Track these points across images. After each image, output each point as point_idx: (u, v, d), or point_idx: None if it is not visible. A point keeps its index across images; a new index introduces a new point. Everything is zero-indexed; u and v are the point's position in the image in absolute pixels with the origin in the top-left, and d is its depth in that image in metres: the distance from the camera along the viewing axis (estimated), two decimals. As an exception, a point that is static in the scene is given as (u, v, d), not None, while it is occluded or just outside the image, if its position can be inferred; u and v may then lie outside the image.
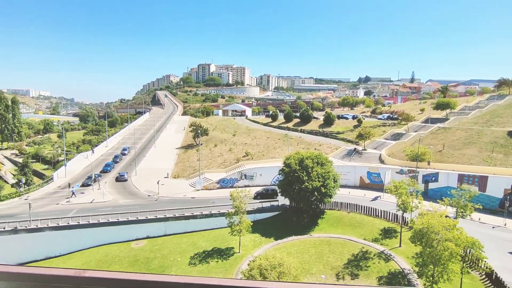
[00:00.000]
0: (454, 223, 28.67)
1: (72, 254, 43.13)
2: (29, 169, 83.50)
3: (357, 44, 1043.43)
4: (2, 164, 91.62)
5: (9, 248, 42.45)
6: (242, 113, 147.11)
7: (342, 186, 53.21)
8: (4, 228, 42.53)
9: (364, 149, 71.03)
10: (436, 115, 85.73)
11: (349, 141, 80.00)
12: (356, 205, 48.65)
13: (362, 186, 60.64)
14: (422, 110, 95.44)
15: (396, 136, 76.31)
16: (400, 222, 40.29)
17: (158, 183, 58.87)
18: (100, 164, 75.97)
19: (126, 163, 79.45)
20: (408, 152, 59.61)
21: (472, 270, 32.27)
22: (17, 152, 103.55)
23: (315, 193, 44.03)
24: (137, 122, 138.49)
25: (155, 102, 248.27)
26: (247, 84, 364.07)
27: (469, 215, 37.22)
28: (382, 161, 64.05)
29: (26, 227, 42.91)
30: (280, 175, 49.76)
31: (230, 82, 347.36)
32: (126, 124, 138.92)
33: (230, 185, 62.27)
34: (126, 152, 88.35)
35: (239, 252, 39.88)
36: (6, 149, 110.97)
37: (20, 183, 65.69)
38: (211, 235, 45.26)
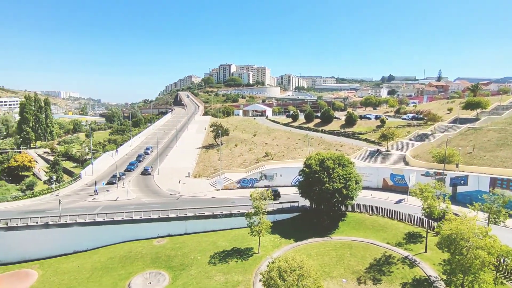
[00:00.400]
0: (487, 230, 27.04)
1: (98, 250, 44.80)
2: (60, 167, 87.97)
3: (380, 42, 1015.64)
4: (36, 162, 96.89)
5: (41, 242, 44.79)
6: (262, 113, 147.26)
7: (364, 188, 51.87)
8: (36, 222, 44.94)
9: (388, 150, 68.92)
10: (465, 115, 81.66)
11: (371, 141, 77.99)
12: (379, 207, 47.24)
13: (385, 188, 58.84)
14: (450, 110, 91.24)
15: (422, 137, 73.43)
16: (426, 226, 38.61)
17: (179, 182, 60.07)
18: (124, 163, 78.56)
19: (149, 162, 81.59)
20: (435, 154, 57.13)
21: (507, 281, 30.36)
22: (49, 150, 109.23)
23: (336, 194, 43.19)
24: (160, 122, 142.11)
25: (177, 102, 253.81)
26: (267, 84, 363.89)
27: (503, 222, 35.04)
28: (406, 163, 61.87)
29: (56, 222, 45.09)
30: (301, 176, 49.24)
31: (251, 82, 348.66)
32: (149, 124, 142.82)
33: (250, 185, 62.44)
34: (149, 151, 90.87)
35: (258, 253, 39.82)
36: (39, 147, 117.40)
37: (52, 180, 69.23)
38: (231, 234, 45.51)
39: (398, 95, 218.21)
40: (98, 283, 36.70)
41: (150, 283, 36.02)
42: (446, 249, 27.92)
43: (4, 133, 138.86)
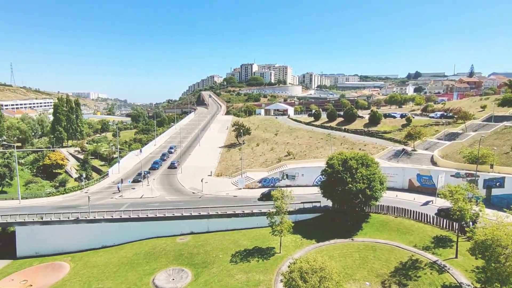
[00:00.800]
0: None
1: (124, 245, 46.46)
2: (89, 165, 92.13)
3: (405, 38, 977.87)
4: (68, 160, 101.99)
5: (72, 236, 47.20)
6: (284, 112, 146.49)
7: (388, 189, 50.28)
8: (68, 217, 47.39)
9: (414, 150, 66.30)
10: (501, 112, 76.79)
11: (396, 141, 75.38)
12: (405, 209, 45.50)
13: (411, 189, 56.63)
14: (484, 107, 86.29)
15: (451, 136, 70.00)
16: (457, 230, 36.74)
17: (202, 181, 61.00)
18: (149, 162, 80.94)
19: (173, 160, 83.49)
20: (466, 154, 54.23)
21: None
22: (79, 149, 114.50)
23: (359, 195, 42.13)
24: (183, 122, 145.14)
25: (200, 102, 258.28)
26: (289, 83, 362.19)
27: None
28: (434, 163, 59.22)
29: (86, 218, 47.30)
30: (323, 176, 48.47)
31: (272, 81, 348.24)
32: (173, 123, 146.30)
33: (272, 184, 62.26)
34: (172, 150, 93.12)
35: (279, 253, 39.64)
36: (70, 146, 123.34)
37: (82, 178, 72.64)
38: (252, 234, 45.62)
39: (426, 93, 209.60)
40: (124, 278, 38.03)
41: (173, 279, 36.86)
42: (480, 256, 26.36)
43: (39, 133, 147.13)
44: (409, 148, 67.33)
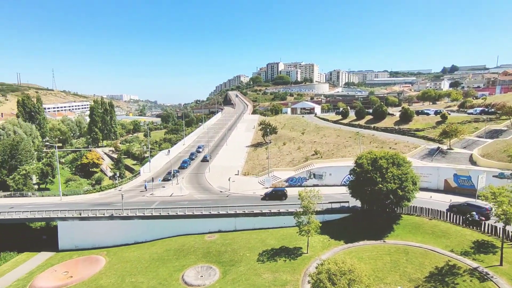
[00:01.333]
0: None
1: (155, 242, 48.18)
2: (122, 164, 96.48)
3: (440, 29, 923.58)
4: (103, 159, 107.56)
5: (107, 232, 49.70)
6: (310, 111, 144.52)
7: (421, 189, 47.90)
8: (103, 214, 50.01)
9: (450, 148, 62.59)
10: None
11: (430, 139, 71.65)
12: (440, 211, 43.11)
13: (447, 190, 53.53)
14: (532, 101, 79.56)
15: (494, 134, 65.28)
16: (501, 236, 34.09)
17: (229, 179, 61.71)
18: (178, 161, 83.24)
19: (201, 160, 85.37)
20: None
21: None
22: (113, 149, 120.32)
23: (390, 195, 40.50)
24: (210, 122, 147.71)
25: (227, 102, 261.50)
26: (315, 81, 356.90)
27: None
28: (473, 162, 55.55)
29: (119, 214, 49.61)
30: (351, 176, 47.19)
31: (299, 79, 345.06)
32: (200, 123, 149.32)
33: (299, 184, 61.63)
34: (200, 150, 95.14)
35: (307, 253, 39.14)
36: (105, 146, 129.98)
37: (115, 176, 76.24)
38: (279, 233, 45.44)
39: (463, 87, 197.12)
40: (155, 273, 39.44)
41: (202, 276, 37.62)
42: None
43: (78, 134, 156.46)
44: (444, 147, 63.73)
